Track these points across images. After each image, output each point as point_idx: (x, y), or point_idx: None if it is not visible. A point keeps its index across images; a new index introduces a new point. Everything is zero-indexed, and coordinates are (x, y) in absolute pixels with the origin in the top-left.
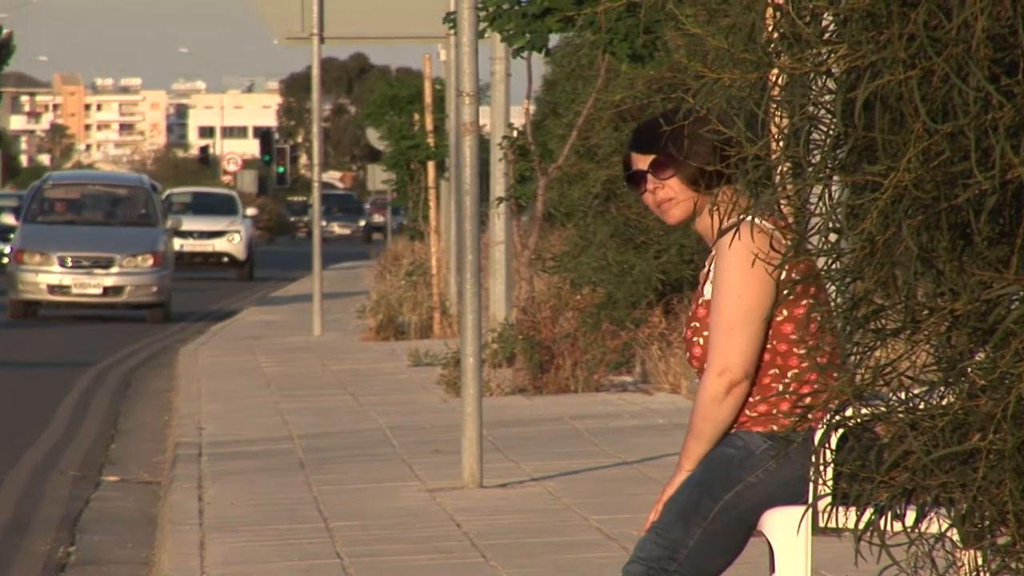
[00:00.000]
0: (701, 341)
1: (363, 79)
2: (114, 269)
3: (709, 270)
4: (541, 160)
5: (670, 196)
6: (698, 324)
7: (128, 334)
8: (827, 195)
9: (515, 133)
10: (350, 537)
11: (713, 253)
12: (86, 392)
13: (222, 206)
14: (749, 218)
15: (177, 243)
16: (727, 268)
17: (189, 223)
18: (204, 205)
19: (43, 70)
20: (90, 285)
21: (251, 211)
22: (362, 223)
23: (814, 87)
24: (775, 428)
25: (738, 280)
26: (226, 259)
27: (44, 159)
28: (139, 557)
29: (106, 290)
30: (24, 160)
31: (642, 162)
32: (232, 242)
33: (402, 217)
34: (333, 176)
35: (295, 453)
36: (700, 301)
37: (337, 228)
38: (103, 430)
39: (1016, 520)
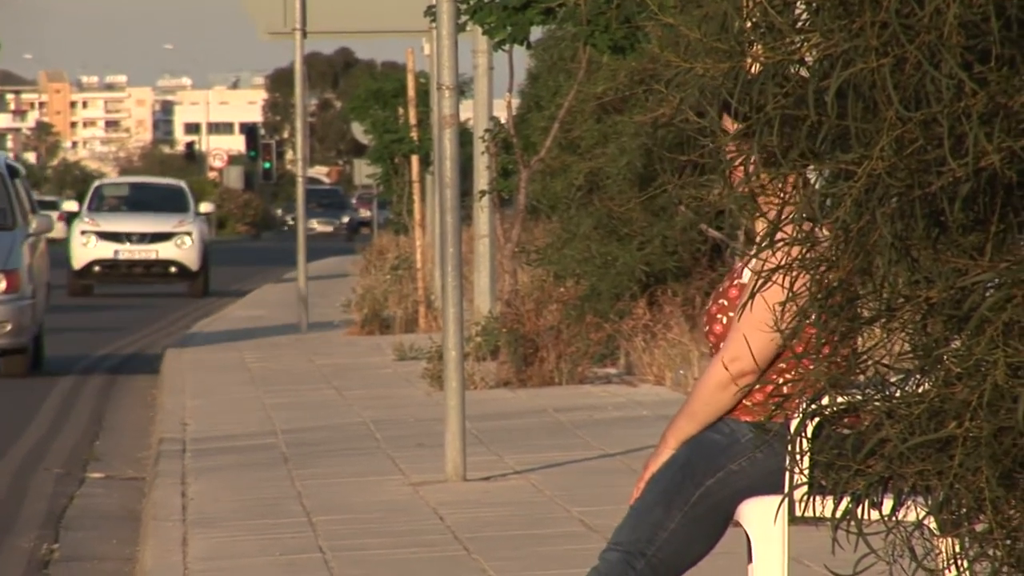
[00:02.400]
0: (724, 320)
1: (348, 74)
2: None
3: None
4: (523, 153)
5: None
6: (726, 303)
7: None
8: (801, 184)
9: (497, 126)
10: (333, 531)
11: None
12: (71, 388)
13: (169, 201)
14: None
15: (110, 249)
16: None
17: (125, 223)
18: (145, 200)
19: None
20: None
21: (207, 206)
22: (345, 219)
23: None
24: (762, 418)
25: (779, 288)
26: (174, 269)
27: (30, 157)
28: (123, 553)
29: None
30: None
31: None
32: (181, 247)
33: (388, 212)
34: (320, 171)
35: (279, 448)
36: (736, 282)
37: (317, 225)
38: (88, 427)
39: (993, 507)
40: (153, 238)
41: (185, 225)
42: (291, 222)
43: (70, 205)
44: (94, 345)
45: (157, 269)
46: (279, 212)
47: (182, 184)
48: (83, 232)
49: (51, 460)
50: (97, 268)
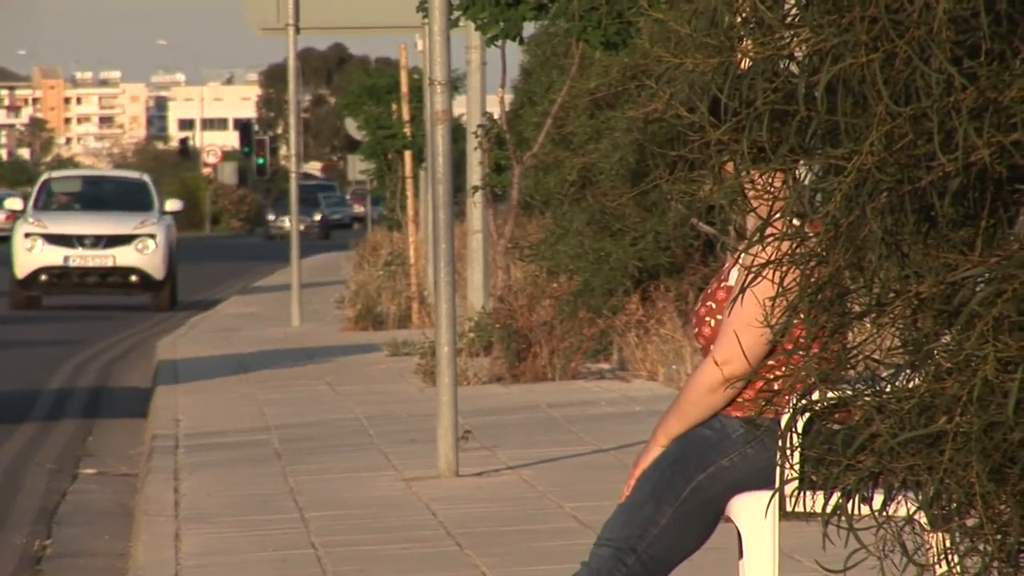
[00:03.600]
0: (713, 322)
1: (342, 69)
2: None
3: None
4: (516, 149)
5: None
6: (714, 304)
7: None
8: (791, 179)
9: (490, 122)
10: (325, 527)
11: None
12: (66, 382)
13: (129, 198)
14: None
15: (59, 255)
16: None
17: (77, 224)
18: (102, 196)
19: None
20: None
21: (173, 204)
22: (317, 217)
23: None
24: (753, 414)
25: (769, 283)
26: (134, 277)
27: (24, 153)
28: (116, 549)
29: None
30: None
31: None
32: (143, 252)
33: (381, 207)
34: (314, 167)
35: (272, 444)
36: (723, 284)
37: (288, 223)
38: (81, 422)
39: (983, 502)
40: (110, 241)
41: (148, 226)
42: (274, 221)
43: (13, 203)
44: (45, 374)
45: (115, 278)
46: (271, 217)
47: (144, 177)
48: (27, 235)
49: (44, 455)
50: (44, 277)
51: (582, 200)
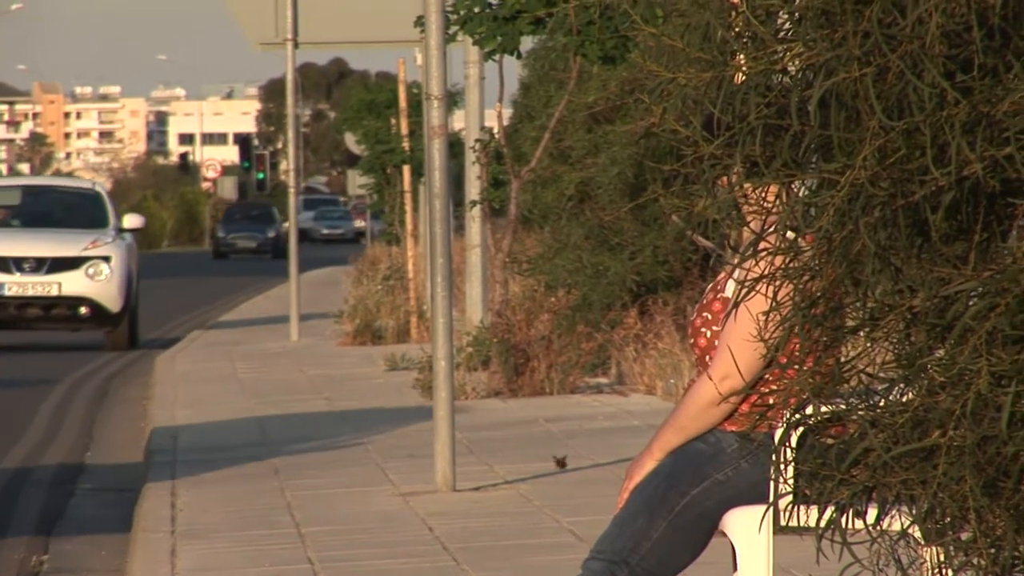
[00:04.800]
0: (708, 333)
1: (342, 84)
2: None
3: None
4: (514, 163)
5: None
6: (709, 316)
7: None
8: (784, 193)
9: (488, 136)
10: (322, 542)
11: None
12: (63, 399)
13: (79, 213)
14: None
15: None
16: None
17: (15, 244)
18: (46, 211)
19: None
20: None
21: (133, 220)
22: (271, 234)
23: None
24: (747, 428)
25: (763, 298)
26: (84, 309)
27: (24, 168)
28: (112, 565)
29: None
30: (4, 169)
31: None
32: (96, 278)
33: (381, 221)
34: (319, 180)
35: (269, 459)
36: (719, 296)
37: (240, 241)
38: (79, 438)
39: (977, 516)
40: (55, 265)
41: (101, 246)
42: (224, 238)
43: None
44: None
45: (60, 310)
46: (221, 234)
47: (97, 187)
48: None
49: (42, 471)
50: None
51: (580, 214)
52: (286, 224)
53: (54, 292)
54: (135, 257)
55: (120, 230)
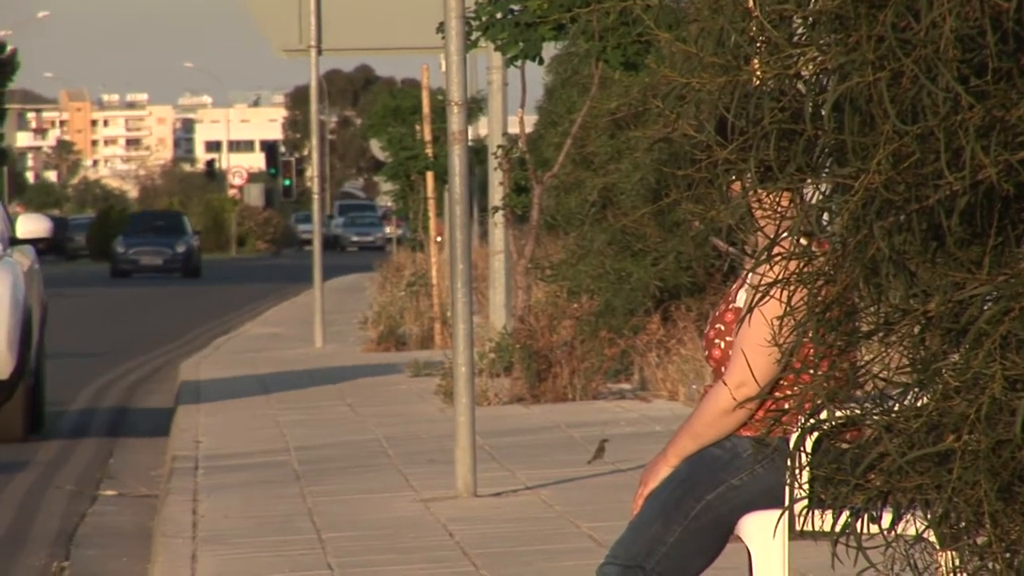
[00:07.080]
0: (723, 344)
1: (368, 91)
2: None
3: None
4: (536, 169)
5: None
6: (723, 327)
7: None
8: (798, 198)
9: (510, 142)
10: (342, 548)
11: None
12: (89, 403)
13: None
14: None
15: None
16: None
17: None
18: None
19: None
20: None
21: (32, 225)
22: (181, 249)
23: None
24: (763, 433)
25: (777, 303)
26: None
27: (51, 175)
28: (133, 571)
29: None
30: (31, 177)
31: None
32: None
33: (406, 228)
34: (356, 185)
35: (291, 465)
36: (731, 305)
37: (144, 257)
38: (102, 443)
39: (992, 520)
40: None
41: None
42: (123, 253)
43: None
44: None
45: None
46: (120, 249)
47: None
48: None
49: (64, 478)
50: None
51: (603, 220)
52: (196, 239)
53: None
54: (38, 284)
55: (14, 240)
